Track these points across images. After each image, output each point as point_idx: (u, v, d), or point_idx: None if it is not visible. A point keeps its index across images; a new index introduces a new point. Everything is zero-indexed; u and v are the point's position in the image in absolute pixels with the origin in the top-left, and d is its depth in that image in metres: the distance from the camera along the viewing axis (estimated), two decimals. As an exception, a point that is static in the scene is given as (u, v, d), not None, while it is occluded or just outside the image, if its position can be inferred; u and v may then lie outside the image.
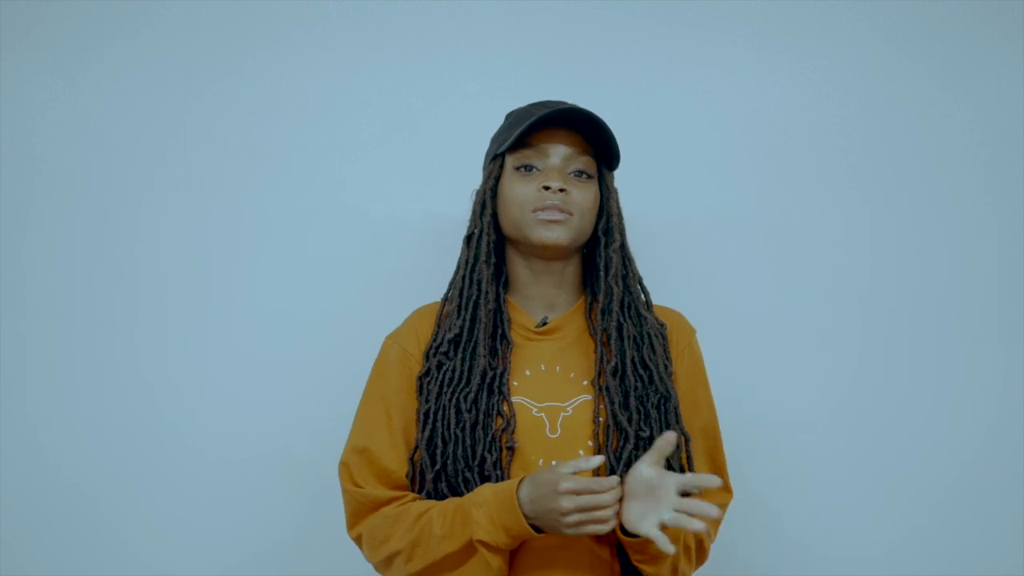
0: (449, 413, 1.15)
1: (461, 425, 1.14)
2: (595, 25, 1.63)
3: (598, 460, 1.02)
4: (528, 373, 1.19)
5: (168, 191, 1.60)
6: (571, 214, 1.17)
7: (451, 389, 1.16)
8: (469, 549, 1.07)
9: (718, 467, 1.24)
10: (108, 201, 1.60)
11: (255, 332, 1.58)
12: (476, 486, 1.12)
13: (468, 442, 1.14)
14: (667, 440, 1.04)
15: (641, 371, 1.18)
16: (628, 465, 1.13)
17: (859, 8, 1.64)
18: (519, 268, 1.24)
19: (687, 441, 1.19)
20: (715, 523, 1.20)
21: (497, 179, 1.23)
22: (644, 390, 1.17)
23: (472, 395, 1.15)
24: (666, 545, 0.99)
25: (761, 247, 1.61)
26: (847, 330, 1.60)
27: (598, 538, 1.14)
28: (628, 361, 1.17)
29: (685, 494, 1.05)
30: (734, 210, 1.61)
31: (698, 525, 0.99)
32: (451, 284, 1.25)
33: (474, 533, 1.06)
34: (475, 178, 1.33)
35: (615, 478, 1.03)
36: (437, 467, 1.14)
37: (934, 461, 1.59)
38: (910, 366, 1.60)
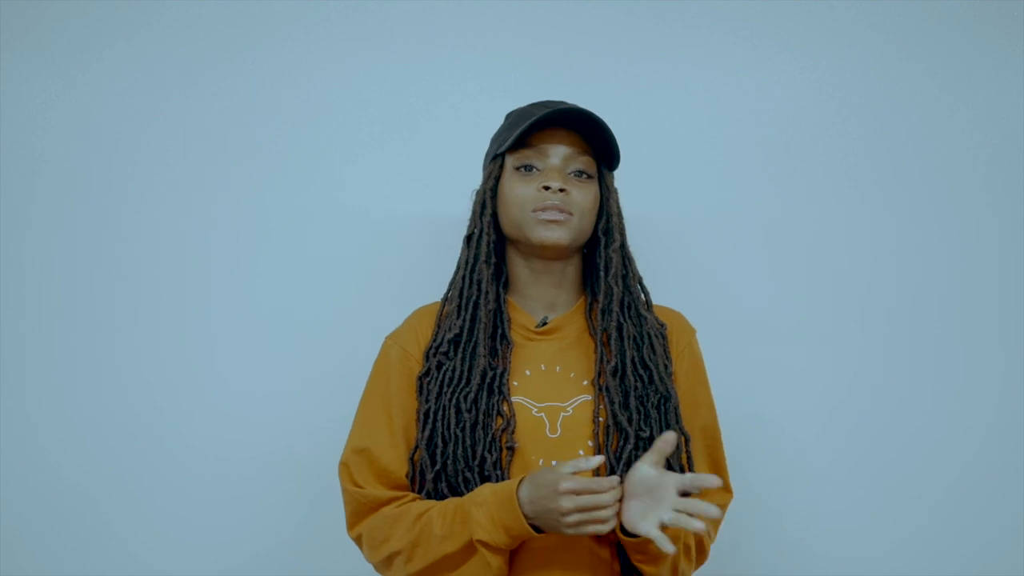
0: (449, 413, 1.15)
1: (461, 425, 1.14)
2: (595, 25, 1.63)
3: (598, 460, 1.02)
4: (528, 373, 1.19)
5: (168, 191, 1.60)
6: (571, 214, 1.17)
7: (451, 389, 1.16)
8: (469, 549, 1.07)
9: (718, 467, 1.24)
10: (108, 201, 1.60)
11: (255, 332, 1.58)
12: (476, 486, 1.12)
13: (468, 442, 1.14)
14: (667, 440, 1.04)
15: (641, 371, 1.18)
16: (628, 465, 1.13)
17: (859, 8, 1.64)
18: (519, 268, 1.24)
19: (687, 441, 1.19)
20: (715, 523, 1.20)
21: (497, 179, 1.23)
22: (644, 390, 1.17)
23: (472, 395, 1.15)
24: (666, 545, 0.99)
25: (761, 247, 1.61)
26: (847, 330, 1.60)
27: (598, 538, 1.14)
28: (628, 361, 1.17)
29: (685, 494, 1.05)
30: (734, 210, 1.61)
31: (698, 525, 0.99)
32: (451, 284, 1.25)
33: (474, 533, 1.06)
34: (475, 178, 1.33)
35: (615, 478, 1.03)
36: (437, 467, 1.14)
37: (934, 461, 1.59)
38: (910, 366, 1.60)
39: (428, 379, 1.19)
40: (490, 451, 1.13)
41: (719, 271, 1.61)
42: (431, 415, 1.16)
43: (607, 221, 1.23)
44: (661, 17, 1.63)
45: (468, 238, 1.24)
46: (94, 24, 1.61)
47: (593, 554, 1.14)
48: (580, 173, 1.21)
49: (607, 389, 1.16)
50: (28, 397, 1.58)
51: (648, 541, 1.05)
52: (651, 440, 1.15)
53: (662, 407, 1.17)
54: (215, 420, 1.57)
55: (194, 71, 1.61)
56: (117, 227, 1.60)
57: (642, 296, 1.24)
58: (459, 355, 1.18)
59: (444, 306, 1.25)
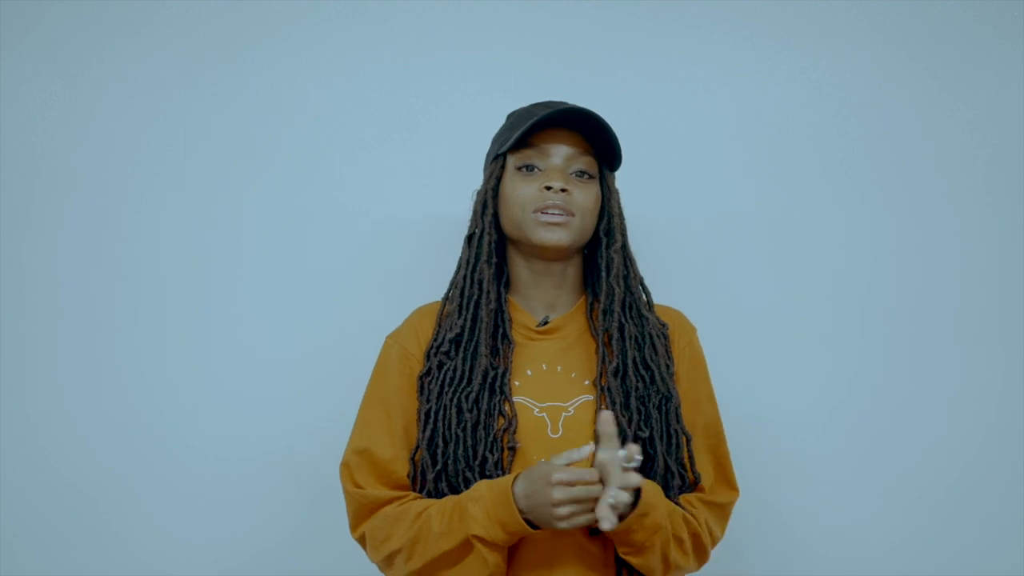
0: (450, 413, 1.15)
1: (462, 425, 1.14)
2: (595, 25, 1.63)
3: (588, 449, 1.02)
4: (529, 373, 1.19)
5: (168, 191, 1.60)
6: (573, 215, 1.18)
7: (452, 389, 1.16)
8: (467, 545, 1.07)
9: (722, 465, 1.24)
10: (108, 201, 1.60)
11: (255, 332, 1.58)
12: (477, 486, 1.12)
13: (469, 442, 1.14)
14: (603, 422, 1.03)
15: (643, 371, 1.18)
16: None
17: (859, 8, 1.64)
18: (520, 268, 1.24)
19: (688, 441, 1.19)
20: (719, 522, 1.20)
21: (499, 179, 1.23)
22: (646, 390, 1.17)
23: (474, 395, 1.15)
24: (603, 521, 0.99)
25: (761, 247, 1.61)
26: (847, 330, 1.60)
27: (590, 535, 1.13)
28: (629, 361, 1.17)
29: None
30: (734, 210, 1.61)
31: (624, 496, 1.00)
32: (452, 283, 1.25)
33: (470, 528, 1.06)
34: (475, 178, 1.33)
35: None
36: (438, 467, 1.15)
37: (934, 461, 1.59)
38: (910, 366, 1.60)
39: (429, 379, 1.19)
40: (491, 451, 1.13)
41: (719, 271, 1.61)
42: (432, 415, 1.16)
43: (608, 222, 1.23)
44: (661, 17, 1.63)
45: (469, 238, 1.24)
46: (94, 24, 1.61)
47: (584, 549, 1.14)
48: (582, 173, 1.21)
49: (608, 390, 1.16)
50: (28, 397, 1.57)
51: (629, 531, 1.05)
52: (651, 440, 1.15)
53: (663, 407, 1.17)
54: (215, 420, 1.57)
55: (194, 71, 1.61)
56: (117, 227, 1.60)
57: (643, 296, 1.24)
58: (460, 355, 1.18)
59: (444, 306, 1.25)
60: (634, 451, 1.02)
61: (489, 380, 1.16)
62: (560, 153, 1.20)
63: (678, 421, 1.18)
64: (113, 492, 1.56)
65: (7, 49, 1.61)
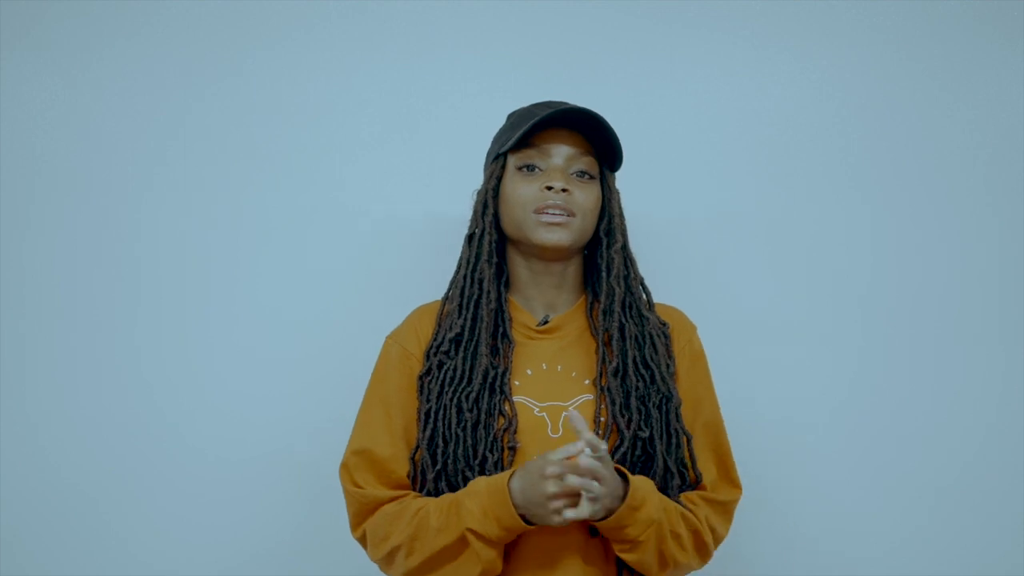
0: (450, 412, 1.15)
1: (462, 425, 1.14)
2: (595, 25, 1.63)
3: (582, 444, 1.02)
4: (529, 372, 1.19)
5: (168, 191, 1.60)
6: (573, 215, 1.18)
7: (452, 388, 1.16)
8: (463, 541, 1.07)
9: (724, 462, 1.24)
10: (108, 201, 1.60)
11: (255, 332, 1.58)
12: (476, 486, 1.12)
13: (469, 442, 1.14)
14: (571, 419, 1.03)
15: (643, 371, 1.18)
16: (632, 466, 1.14)
17: (859, 8, 1.64)
18: (520, 268, 1.24)
19: (688, 440, 1.19)
20: (722, 519, 1.20)
21: (499, 179, 1.23)
22: (646, 390, 1.17)
23: (474, 395, 1.15)
24: (570, 512, 1.00)
25: (761, 247, 1.61)
26: (847, 330, 1.60)
27: (590, 534, 1.13)
28: (630, 361, 1.17)
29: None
30: (734, 210, 1.61)
31: (595, 487, 1.00)
32: (452, 283, 1.25)
33: (466, 522, 1.06)
34: (475, 178, 1.33)
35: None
36: (438, 467, 1.15)
37: (934, 461, 1.59)
38: (910, 366, 1.60)
39: (429, 378, 1.19)
40: (491, 451, 1.13)
41: (719, 271, 1.61)
42: (432, 414, 1.16)
43: (609, 222, 1.23)
44: (661, 17, 1.63)
45: (469, 237, 1.24)
46: (94, 24, 1.61)
47: (588, 550, 1.14)
48: (582, 174, 1.21)
49: (608, 389, 1.16)
50: (28, 397, 1.57)
51: (621, 527, 1.06)
52: (651, 440, 1.15)
53: (663, 407, 1.17)
54: (215, 420, 1.57)
55: (194, 71, 1.61)
56: (117, 227, 1.60)
57: (644, 296, 1.24)
58: (460, 354, 1.18)
59: (444, 305, 1.25)
60: (596, 442, 1.01)
61: (489, 380, 1.16)
62: (561, 153, 1.20)
63: (678, 421, 1.18)
64: (113, 492, 1.56)
65: (7, 49, 1.61)
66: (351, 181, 1.61)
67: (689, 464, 1.19)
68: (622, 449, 1.14)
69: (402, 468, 1.18)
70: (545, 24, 1.62)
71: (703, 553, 1.18)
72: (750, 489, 1.27)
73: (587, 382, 1.19)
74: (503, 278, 1.25)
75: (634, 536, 1.07)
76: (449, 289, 1.25)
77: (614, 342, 1.19)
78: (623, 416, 1.15)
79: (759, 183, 1.62)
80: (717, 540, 1.20)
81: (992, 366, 1.60)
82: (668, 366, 1.20)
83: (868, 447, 1.59)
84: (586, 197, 1.19)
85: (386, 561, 1.15)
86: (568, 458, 1.02)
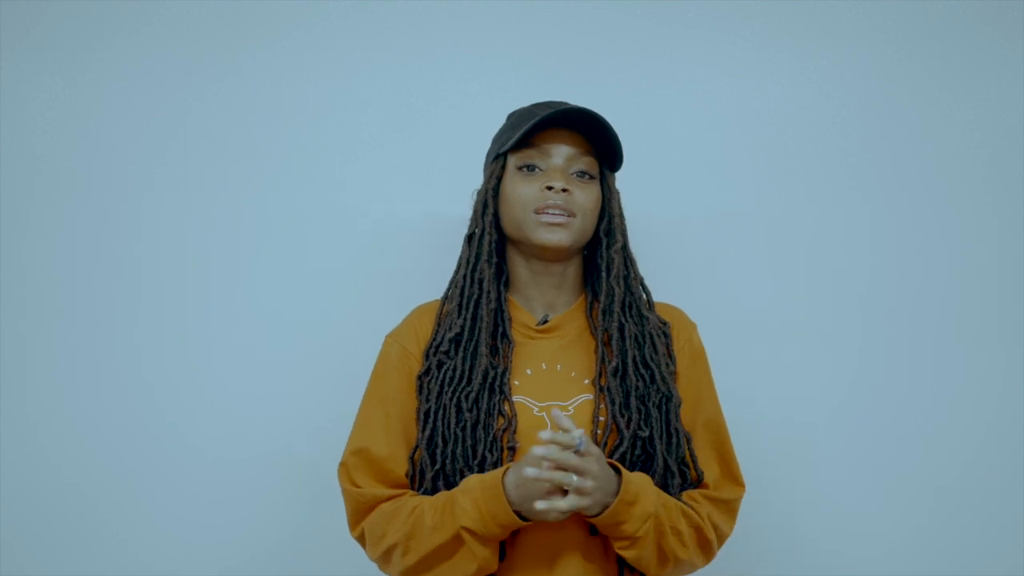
0: (450, 412, 1.15)
1: (462, 424, 1.14)
2: (595, 25, 1.63)
3: (580, 432, 1.02)
4: (529, 372, 1.19)
5: (168, 191, 1.60)
6: (573, 215, 1.18)
7: (452, 388, 1.16)
8: (458, 539, 1.07)
9: (726, 460, 1.23)
10: (108, 201, 1.60)
11: (255, 332, 1.58)
12: (475, 485, 1.12)
13: (469, 442, 1.14)
14: (556, 418, 1.03)
15: (643, 371, 1.18)
16: (632, 465, 1.14)
17: (859, 8, 1.64)
18: (520, 268, 1.24)
19: (688, 440, 1.19)
20: (725, 518, 1.20)
21: (499, 179, 1.23)
22: (646, 389, 1.17)
23: (473, 395, 1.15)
24: (543, 504, 1.00)
25: (761, 247, 1.61)
26: (847, 330, 1.60)
27: (590, 533, 1.13)
28: (630, 361, 1.17)
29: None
30: (734, 210, 1.61)
31: (552, 474, 1.00)
32: (452, 283, 1.25)
33: (460, 520, 1.06)
34: (475, 178, 1.33)
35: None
36: (437, 466, 1.15)
37: (934, 461, 1.59)
38: (910, 366, 1.60)
39: (428, 378, 1.19)
40: (491, 451, 1.13)
41: (719, 271, 1.61)
42: (432, 414, 1.16)
43: (609, 222, 1.23)
44: (661, 17, 1.63)
45: (469, 237, 1.24)
46: (94, 24, 1.61)
47: (588, 549, 1.13)
48: (583, 174, 1.21)
49: (608, 389, 1.16)
50: (28, 397, 1.57)
51: (618, 522, 1.06)
52: (650, 440, 1.15)
53: (663, 407, 1.17)
54: (215, 420, 1.57)
55: (194, 71, 1.61)
56: (117, 227, 1.60)
57: (644, 296, 1.24)
58: (460, 354, 1.18)
59: (444, 304, 1.25)
60: (574, 432, 1.01)
61: (489, 380, 1.16)
62: (561, 153, 1.20)
63: (678, 420, 1.18)
64: (113, 492, 1.56)
65: (7, 49, 1.61)
66: (351, 181, 1.61)
67: (690, 463, 1.19)
68: (622, 448, 1.14)
69: (400, 468, 1.18)
70: (545, 24, 1.62)
71: (707, 551, 1.18)
72: (750, 489, 1.27)
73: (587, 382, 1.19)
74: (503, 278, 1.25)
75: (631, 532, 1.07)
76: (448, 289, 1.25)
77: (613, 342, 1.19)
78: (623, 416, 1.15)
79: (759, 183, 1.62)
80: (721, 538, 1.20)
81: (992, 366, 1.60)
82: (668, 365, 1.20)
83: (868, 447, 1.59)
84: (586, 197, 1.19)
85: (383, 560, 1.15)
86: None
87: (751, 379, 1.56)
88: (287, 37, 1.62)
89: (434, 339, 1.21)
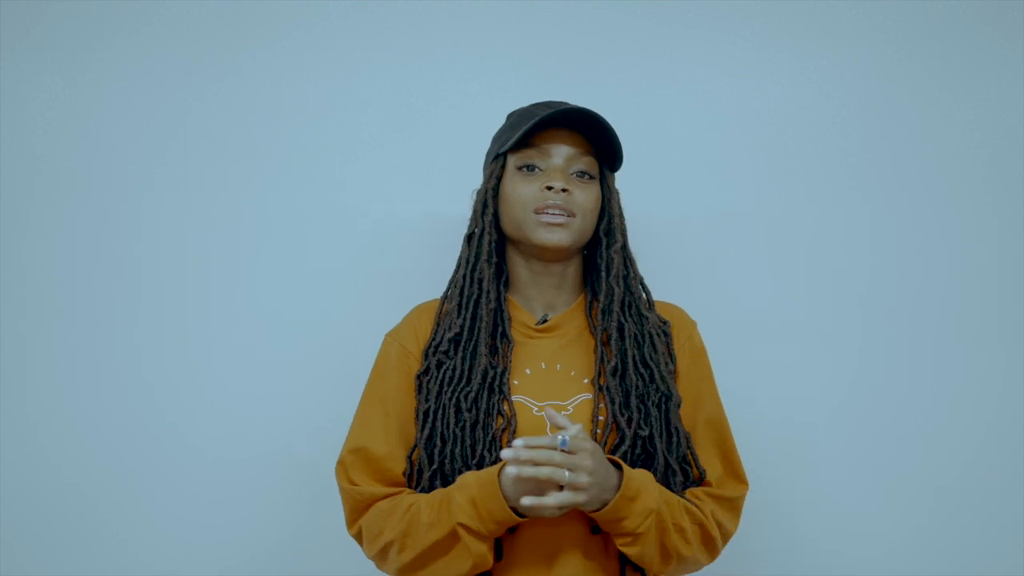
0: (449, 412, 1.15)
1: (461, 424, 1.14)
2: (595, 25, 1.63)
3: (578, 428, 1.03)
4: (528, 372, 1.19)
5: (168, 191, 1.60)
6: (573, 215, 1.18)
7: (451, 388, 1.16)
8: (454, 536, 1.07)
9: (729, 458, 1.23)
10: (108, 201, 1.60)
11: (255, 332, 1.58)
12: (474, 485, 1.12)
13: (468, 441, 1.14)
14: (548, 417, 1.04)
15: (642, 370, 1.18)
16: (633, 465, 1.14)
17: (859, 8, 1.64)
18: (519, 268, 1.24)
19: (689, 438, 1.19)
20: (729, 515, 1.20)
21: (499, 179, 1.23)
22: (645, 388, 1.17)
23: (473, 395, 1.15)
24: (528, 501, 1.00)
25: (761, 247, 1.61)
26: (847, 330, 1.60)
27: (591, 532, 1.13)
28: (629, 360, 1.17)
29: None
30: (734, 210, 1.61)
31: (536, 470, 1.00)
32: (451, 282, 1.25)
33: (456, 516, 1.06)
34: (475, 178, 1.33)
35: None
36: (434, 466, 1.15)
37: (934, 461, 1.59)
38: (910, 366, 1.60)
39: (428, 378, 1.19)
40: (490, 450, 1.13)
41: (719, 271, 1.61)
42: (430, 414, 1.16)
43: (609, 222, 1.23)
44: (661, 17, 1.63)
45: (469, 237, 1.24)
46: (94, 24, 1.61)
47: (586, 546, 1.13)
48: (582, 174, 1.21)
49: (607, 389, 1.16)
50: (28, 397, 1.58)
51: (619, 518, 1.05)
52: (650, 439, 1.15)
53: (663, 406, 1.17)
54: (215, 420, 1.57)
55: (194, 71, 1.61)
56: (117, 227, 1.60)
57: (643, 296, 1.24)
58: (460, 354, 1.18)
59: (443, 304, 1.25)
60: (571, 429, 1.02)
61: (488, 380, 1.16)
62: (561, 153, 1.20)
63: (678, 419, 1.18)
64: (113, 492, 1.56)
65: (7, 49, 1.61)
66: (351, 181, 1.61)
67: (692, 461, 1.19)
68: (623, 448, 1.14)
69: (398, 466, 1.18)
70: (545, 24, 1.63)
71: (711, 548, 1.18)
72: (750, 489, 1.27)
73: (586, 381, 1.19)
74: (502, 278, 1.25)
75: (632, 528, 1.07)
76: (448, 288, 1.25)
77: (613, 341, 1.19)
78: (623, 415, 1.15)
79: (759, 183, 1.62)
80: (725, 536, 1.20)
81: (992, 366, 1.60)
82: (667, 364, 1.20)
83: (868, 447, 1.59)
84: (586, 197, 1.19)
85: (380, 557, 1.16)
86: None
87: (751, 379, 1.56)
88: (287, 37, 1.62)
89: (433, 339, 1.21)
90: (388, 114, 1.61)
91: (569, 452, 1.01)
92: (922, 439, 1.59)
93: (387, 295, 1.45)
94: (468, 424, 1.14)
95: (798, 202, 1.62)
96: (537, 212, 1.17)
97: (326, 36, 1.62)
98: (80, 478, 1.56)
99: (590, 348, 1.21)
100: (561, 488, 1.02)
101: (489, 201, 1.22)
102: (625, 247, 1.24)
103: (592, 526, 1.12)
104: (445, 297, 1.26)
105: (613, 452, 1.13)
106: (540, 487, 1.02)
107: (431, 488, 1.15)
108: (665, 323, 1.24)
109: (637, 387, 1.16)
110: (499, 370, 1.17)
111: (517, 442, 1.01)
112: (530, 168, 1.20)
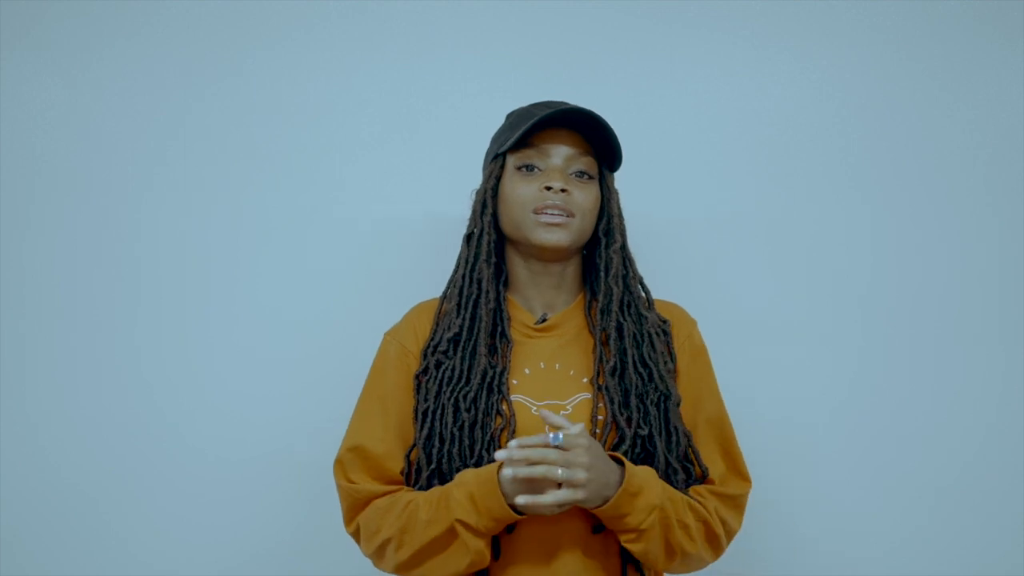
0: (448, 412, 1.15)
1: (460, 424, 1.14)
2: (595, 25, 1.63)
3: (580, 427, 1.03)
4: (527, 371, 1.19)
5: (168, 191, 1.60)
6: (572, 215, 1.18)
7: (450, 388, 1.16)
8: (452, 532, 1.07)
9: (731, 455, 1.23)
10: (108, 201, 1.60)
11: (255, 332, 1.59)
12: (473, 485, 1.12)
13: (467, 441, 1.14)
14: (544, 417, 1.05)
15: (641, 369, 1.18)
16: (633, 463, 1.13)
17: (859, 8, 1.64)
18: (518, 268, 1.24)
19: (689, 437, 1.19)
20: (732, 513, 1.19)
21: (498, 179, 1.23)
22: (644, 388, 1.17)
23: (472, 394, 1.15)
24: (523, 499, 1.02)
25: (761, 247, 1.61)
26: (847, 330, 1.60)
27: (592, 531, 1.13)
28: (628, 359, 1.17)
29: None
30: (734, 210, 1.61)
31: (530, 470, 1.01)
32: (450, 282, 1.25)
33: (455, 514, 1.06)
34: (475, 178, 1.33)
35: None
36: (433, 466, 1.15)
37: (934, 461, 1.59)
38: (910, 366, 1.60)
39: (427, 378, 1.19)
40: (489, 450, 1.13)
41: (719, 271, 1.61)
42: (429, 414, 1.16)
43: (608, 222, 1.23)
44: (661, 17, 1.63)
45: (468, 237, 1.24)
46: (94, 24, 1.61)
47: (587, 544, 1.13)
48: (582, 174, 1.21)
49: (606, 388, 1.16)
50: (28, 397, 1.58)
51: (622, 515, 1.05)
52: (650, 438, 1.15)
53: (662, 405, 1.17)
54: (215, 420, 1.57)
55: (194, 71, 1.61)
56: (117, 227, 1.60)
57: (643, 295, 1.24)
58: (459, 354, 1.18)
59: (443, 303, 1.25)
60: (570, 429, 1.03)
61: (487, 379, 1.16)
62: (560, 153, 1.20)
63: (678, 418, 1.18)
64: (113, 492, 1.57)
65: (7, 49, 1.61)
66: (351, 181, 1.61)
67: (694, 459, 1.19)
68: (623, 447, 1.14)
69: (396, 465, 1.18)
70: (545, 24, 1.63)
71: (715, 545, 1.17)
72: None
73: (585, 380, 1.19)
74: (502, 278, 1.25)
75: (636, 524, 1.07)
76: (447, 288, 1.25)
77: (612, 341, 1.19)
78: (622, 414, 1.15)
79: (759, 183, 1.62)
80: (729, 533, 1.20)
81: (992, 366, 1.60)
82: (666, 364, 1.20)
83: (868, 447, 1.59)
84: (585, 197, 1.19)
85: (377, 555, 1.15)
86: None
87: (751, 379, 1.56)
88: (287, 37, 1.62)
89: (432, 339, 1.21)
90: (388, 114, 1.61)
91: (564, 449, 1.01)
92: (922, 439, 1.59)
93: (387, 295, 1.45)
94: (467, 424, 1.14)
95: (798, 202, 1.62)
96: (536, 212, 1.17)
97: (326, 36, 1.62)
98: (80, 478, 1.56)
99: (589, 348, 1.21)
100: (560, 486, 1.02)
101: (488, 201, 1.22)
102: (624, 247, 1.23)
103: (595, 525, 1.12)
104: (444, 297, 1.26)
105: (613, 451, 1.13)
106: (538, 486, 1.02)
107: (429, 488, 1.15)
108: (665, 322, 1.23)
109: (636, 386, 1.16)
110: (498, 370, 1.17)
111: (511, 443, 1.01)
112: (529, 168, 1.20)
